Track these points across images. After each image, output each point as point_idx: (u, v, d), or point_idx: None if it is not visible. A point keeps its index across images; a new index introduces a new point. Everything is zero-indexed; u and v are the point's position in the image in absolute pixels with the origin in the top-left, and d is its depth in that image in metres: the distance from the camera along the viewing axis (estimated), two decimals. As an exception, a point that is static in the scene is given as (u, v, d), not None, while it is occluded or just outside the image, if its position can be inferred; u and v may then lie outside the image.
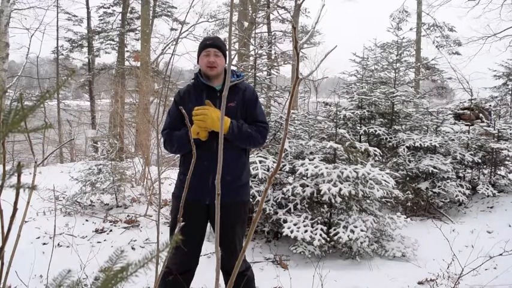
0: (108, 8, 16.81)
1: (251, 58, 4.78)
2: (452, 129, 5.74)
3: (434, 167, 4.91)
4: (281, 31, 16.77)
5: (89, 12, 16.41)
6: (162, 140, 2.40)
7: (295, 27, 0.89)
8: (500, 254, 3.08)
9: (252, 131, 2.23)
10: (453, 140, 5.45)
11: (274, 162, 3.84)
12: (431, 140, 5.02)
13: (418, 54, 16.30)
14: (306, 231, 3.52)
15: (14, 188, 0.69)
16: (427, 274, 3.30)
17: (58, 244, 3.82)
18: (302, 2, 15.55)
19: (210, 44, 2.28)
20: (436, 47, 17.81)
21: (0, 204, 0.92)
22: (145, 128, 6.87)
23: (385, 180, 3.69)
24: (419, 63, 11.31)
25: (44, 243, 3.86)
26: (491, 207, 5.19)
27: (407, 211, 4.93)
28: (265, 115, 2.39)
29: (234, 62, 5.30)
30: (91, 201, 5.06)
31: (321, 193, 3.62)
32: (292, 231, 3.52)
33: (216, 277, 1.06)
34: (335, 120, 4.61)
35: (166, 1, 17.55)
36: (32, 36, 15.20)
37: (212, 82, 2.31)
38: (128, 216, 4.62)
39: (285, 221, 3.66)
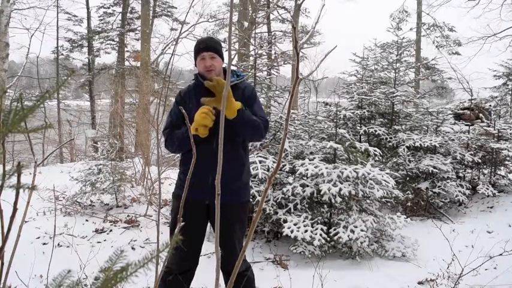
0: (108, 8, 16.81)
1: (251, 58, 4.78)
2: (452, 129, 5.74)
3: (434, 167, 4.91)
4: (281, 31, 16.77)
5: (89, 12, 16.41)
6: (162, 139, 2.40)
7: (295, 27, 0.89)
8: (500, 254, 3.08)
9: (257, 120, 2.22)
10: (453, 140, 5.45)
11: (274, 162, 3.84)
12: (431, 140, 5.02)
13: (418, 54, 16.29)
14: (306, 231, 3.52)
15: (14, 188, 0.69)
16: (427, 274, 3.30)
17: (58, 244, 3.82)
18: (302, 2, 15.55)
19: (204, 48, 2.27)
20: (436, 47, 17.80)
21: (0, 204, 0.92)
22: (145, 128, 6.87)
23: (385, 180, 3.69)
24: (419, 63, 11.30)
25: (44, 243, 3.86)
26: (491, 207, 5.19)
27: (407, 211, 4.93)
28: (264, 112, 2.39)
29: (233, 62, 5.30)
30: (91, 201, 5.06)
31: (321, 193, 3.62)
32: (292, 231, 3.52)
33: (216, 277, 1.06)
34: (335, 120, 4.61)
35: (166, 1, 17.54)
36: (32, 36, 15.24)
37: (212, 82, 2.32)
38: (128, 216, 4.62)
39: (285, 221, 3.66)
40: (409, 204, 4.87)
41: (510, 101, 10.83)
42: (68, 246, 3.76)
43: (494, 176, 5.73)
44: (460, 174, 5.68)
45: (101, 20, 17.00)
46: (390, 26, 8.11)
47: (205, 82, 2.12)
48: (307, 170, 3.68)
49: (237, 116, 2.10)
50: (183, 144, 2.26)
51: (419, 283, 3.22)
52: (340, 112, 5.28)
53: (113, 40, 16.89)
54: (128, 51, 16.77)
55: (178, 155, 2.59)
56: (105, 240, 4.03)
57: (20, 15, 14.90)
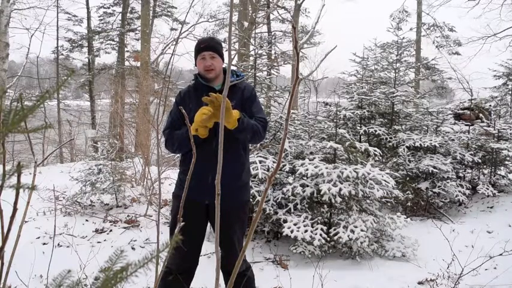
0: (108, 8, 16.83)
1: (251, 58, 4.78)
2: (452, 129, 5.74)
3: (434, 167, 4.90)
4: (281, 31, 16.76)
5: (89, 12, 16.42)
6: (162, 139, 2.41)
7: (295, 27, 0.89)
8: (500, 254, 3.09)
9: (257, 124, 2.23)
10: (453, 140, 5.45)
11: (274, 162, 3.84)
12: (431, 140, 5.02)
13: (418, 54, 16.28)
14: (306, 231, 3.52)
15: (14, 188, 0.69)
16: (427, 274, 3.30)
17: (58, 244, 3.82)
18: (302, 2, 15.55)
19: (204, 48, 2.28)
20: (436, 47, 17.80)
21: (0, 204, 0.92)
22: (145, 128, 6.88)
23: (385, 180, 3.69)
24: (419, 63, 11.29)
25: (44, 243, 3.86)
26: (491, 207, 5.19)
27: (407, 211, 4.93)
28: (263, 112, 2.40)
29: (233, 62, 5.30)
30: (91, 201, 5.06)
31: (321, 193, 3.62)
32: (292, 231, 3.52)
33: (216, 277, 1.06)
34: (335, 120, 4.61)
35: (166, 1, 17.56)
36: (32, 36, 15.26)
37: (212, 82, 2.33)
38: (128, 216, 4.62)
39: (285, 221, 3.66)
40: (409, 204, 4.87)
41: (510, 101, 10.82)
42: (68, 246, 3.76)
43: (494, 176, 5.73)
44: (460, 174, 5.68)
45: (101, 20, 17.02)
46: (390, 26, 8.12)
47: (203, 98, 2.10)
48: (307, 170, 3.68)
49: (237, 127, 2.12)
50: (183, 145, 2.26)
51: (419, 283, 3.22)
52: (340, 112, 5.28)
53: (113, 40, 16.90)
54: (128, 51, 16.79)
55: (179, 155, 2.59)
56: (105, 240, 4.03)
57: (20, 15, 14.93)
